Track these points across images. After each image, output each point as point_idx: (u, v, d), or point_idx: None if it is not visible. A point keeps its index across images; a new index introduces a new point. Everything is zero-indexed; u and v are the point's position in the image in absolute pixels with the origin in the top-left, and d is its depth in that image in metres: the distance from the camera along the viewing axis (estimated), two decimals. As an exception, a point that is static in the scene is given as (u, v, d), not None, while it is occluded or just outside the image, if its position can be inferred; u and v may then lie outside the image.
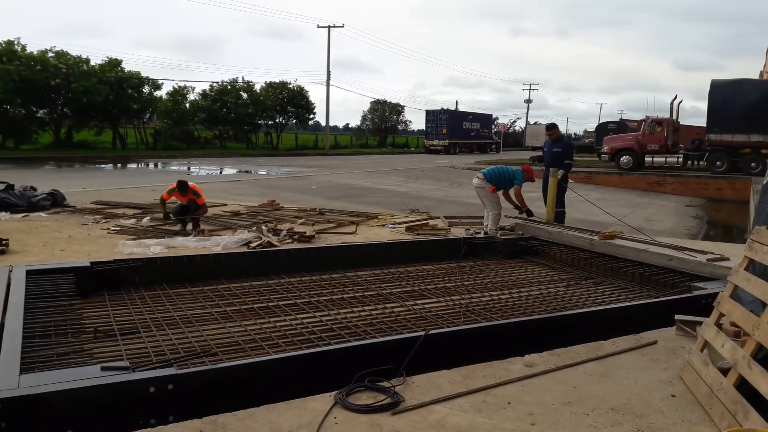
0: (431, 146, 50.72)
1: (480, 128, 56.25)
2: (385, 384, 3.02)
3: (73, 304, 4.41)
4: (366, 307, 4.94)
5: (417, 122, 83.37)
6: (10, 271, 4.75)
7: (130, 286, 5.34)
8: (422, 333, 3.62)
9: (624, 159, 27.85)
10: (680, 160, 27.71)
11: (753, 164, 24.85)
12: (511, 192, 8.72)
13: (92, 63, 35.66)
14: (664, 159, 27.86)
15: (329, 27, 46.90)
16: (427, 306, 5.05)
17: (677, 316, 4.12)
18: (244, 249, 7.27)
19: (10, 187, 10.90)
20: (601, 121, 53.34)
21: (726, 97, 24.90)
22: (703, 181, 24.16)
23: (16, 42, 32.22)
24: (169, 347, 3.84)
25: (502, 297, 5.44)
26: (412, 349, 3.39)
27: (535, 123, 71.97)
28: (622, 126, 41.86)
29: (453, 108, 58.14)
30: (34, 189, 11.32)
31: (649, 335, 3.97)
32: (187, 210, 8.88)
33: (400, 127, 70.58)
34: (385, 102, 65.89)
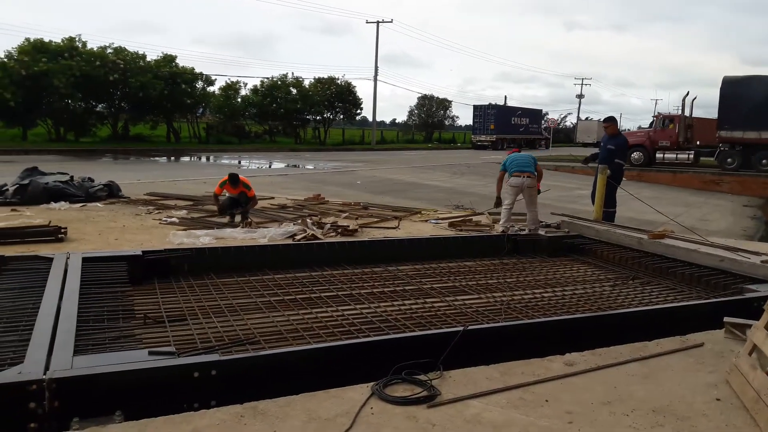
0: (478, 142, 50.29)
1: (529, 124, 55.43)
2: (422, 377, 3.04)
3: (125, 290, 4.58)
4: (406, 301, 4.96)
5: (465, 117, 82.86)
6: (68, 258, 4.97)
7: (179, 274, 5.50)
8: (461, 328, 3.62)
9: (635, 155, 27.39)
10: (691, 156, 27.21)
11: (765, 161, 24.26)
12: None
13: (148, 59, 36.86)
14: (675, 155, 27.33)
15: (378, 22, 47.07)
16: (467, 302, 5.04)
17: (726, 319, 3.99)
18: (290, 241, 7.41)
19: (69, 178, 11.40)
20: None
21: (737, 93, 24.52)
22: (763, 180, 23.20)
23: (77, 39, 33.58)
24: (214, 334, 3.96)
25: (545, 295, 5.38)
26: (450, 344, 3.40)
27: (587, 118, 70.38)
28: (678, 123, 40.50)
29: (502, 103, 57.48)
30: (92, 180, 11.81)
31: (695, 337, 3.86)
32: (237, 203, 9.09)
33: (447, 123, 70.26)
34: (432, 97, 65.69)
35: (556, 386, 3.08)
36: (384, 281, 5.66)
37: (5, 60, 30.33)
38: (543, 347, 3.59)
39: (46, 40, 32.46)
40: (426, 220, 9.97)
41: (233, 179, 8.92)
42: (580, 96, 74.08)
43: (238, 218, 8.99)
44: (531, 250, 7.37)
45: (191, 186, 14.13)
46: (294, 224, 8.54)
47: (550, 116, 64.13)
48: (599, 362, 3.40)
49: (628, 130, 38.03)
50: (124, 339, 3.55)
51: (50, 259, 4.93)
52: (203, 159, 29.27)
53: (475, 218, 10.16)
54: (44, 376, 2.69)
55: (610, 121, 9.95)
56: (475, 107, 51.76)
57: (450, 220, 9.71)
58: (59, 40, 33.05)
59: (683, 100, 28.35)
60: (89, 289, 4.31)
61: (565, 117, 79.72)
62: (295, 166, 26.01)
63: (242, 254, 6.00)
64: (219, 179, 9.47)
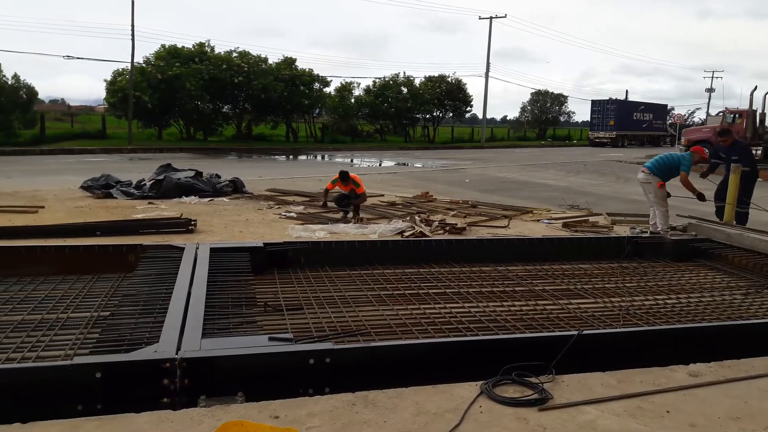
0: (596, 138, 48.10)
1: (652, 119, 52.22)
2: (533, 380, 2.98)
3: (247, 279, 4.85)
4: (516, 302, 4.87)
5: (581, 113, 79.00)
6: (197, 248, 5.35)
7: (296, 266, 5.76)
8: (575, 332, 3.51)
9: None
10: (758, 153, 24.86)
11: None
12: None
13: (269, 62, 38.65)
14: None
15: (491, 18, 46.21)
16: (582, 306, 4.86)
17: None
18: (398, 237, 7.52)
19: (199, 174, 12.27)
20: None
21: None
22: None
23: (206, 44, 35.95)
24: (327, 324, 4.12)
25: (669, 302, 5.07)
26: (563, 348, 3.30)
27: (718, 114, 65.03)
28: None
29: (622, 98, 54.59)
30: (219, 176, 12.64)
31: None
32: (347, 198, 9.40)
33: (562, 119, 67.72)
34: (546, 92, 63.59)
35: (678, 397, 2.90)
36: (493, 281, 5.59)
37: (144, 65, 33.10)
38: (665, 356, 3.39)
39: (179, 45, 35.10)
40: (538, 220, 9.71)
41: (344, 176, 9.24)
42: (710, 90, 68.27)
43: (350, 214, 9.28)
44: (654, 253, 6.95)
45: (308, 183, 14.70)
46: (403, 221, 8.65)
47: (675, 112, 59.66)
48: (728, 375, 3.16)
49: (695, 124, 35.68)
50: (246, 325, 3.77)
51: (182, 249, 5.33)
52: (319, 157, 30.30)
53: (592, 219, 9.75)
54: (176, 356, 2.92)
55: (726, 134, 9.18)
56: (593, 102, 49.58)
57: (564, 221, 9.39)
58: (190, 46, 35.61)
59: (751, 94, 26.61)
60: (216, 277, 4.62)
61: (693, 112, 74.08)
62: (404, 164, 26.22)
63: (354, 249, 6.17)
64: (332, 177, 9.82)
